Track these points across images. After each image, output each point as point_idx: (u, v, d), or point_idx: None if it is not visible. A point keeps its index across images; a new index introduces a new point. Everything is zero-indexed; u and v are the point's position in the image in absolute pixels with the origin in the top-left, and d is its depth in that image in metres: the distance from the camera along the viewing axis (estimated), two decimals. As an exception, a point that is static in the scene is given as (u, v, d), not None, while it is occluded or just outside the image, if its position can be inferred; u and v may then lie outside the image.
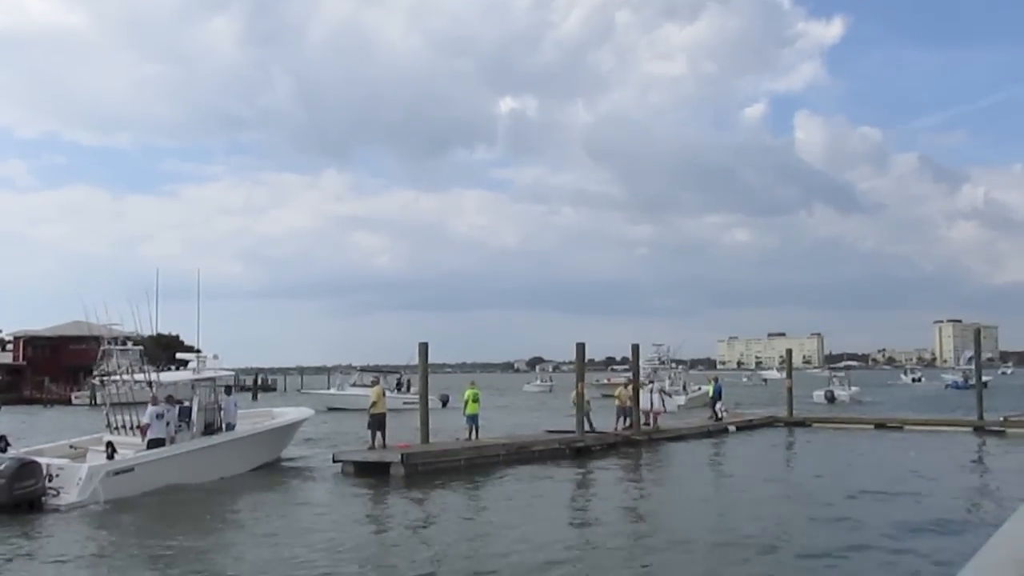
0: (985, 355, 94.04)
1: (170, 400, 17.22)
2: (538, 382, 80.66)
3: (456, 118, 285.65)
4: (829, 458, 21.87)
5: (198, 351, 21.22)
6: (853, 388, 52.56)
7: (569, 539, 11.94)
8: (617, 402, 25.74)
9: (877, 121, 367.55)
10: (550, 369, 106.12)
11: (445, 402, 40.41)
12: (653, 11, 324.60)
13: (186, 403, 17.58)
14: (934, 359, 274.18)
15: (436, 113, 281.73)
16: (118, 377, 18.37)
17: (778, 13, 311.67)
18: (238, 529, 13.15)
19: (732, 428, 28.98)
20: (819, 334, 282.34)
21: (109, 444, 15.71)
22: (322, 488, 16.88)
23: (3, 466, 13.67)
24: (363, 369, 50.54)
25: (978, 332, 37.76)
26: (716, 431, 28.20)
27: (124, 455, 15.65)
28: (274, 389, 77.09)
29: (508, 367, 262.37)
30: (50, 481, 14.20)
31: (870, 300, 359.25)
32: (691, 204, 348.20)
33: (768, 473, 19.36)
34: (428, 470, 17.88)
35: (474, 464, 19.02)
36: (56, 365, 63.50)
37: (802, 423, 31.17)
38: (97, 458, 15.61)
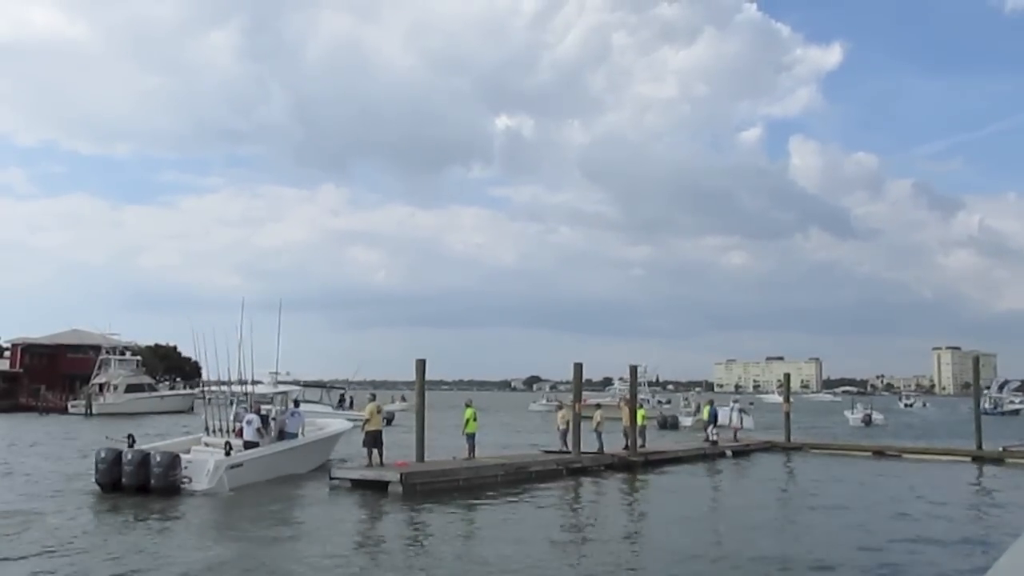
0: (1017, 382, 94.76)
1: (257, 409, 20.14)
2: (544, 401, 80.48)
3: (452, 136, 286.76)
4: (828, 486, 21.79)
5: (276, 372, 23.90)
6: (876, 414, 55.26)
7: (562, 561, 11.91)
8: (561, 425, 25.08)
9: (875, 148, 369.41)
10: (547, 388, 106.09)
11: (390, 420, 39.23)
12: (650, 34, 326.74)
13: (263, 411, 20.46)
14: (933, 386, 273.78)
15: (433, 130, 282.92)
16: (215, 388, 21.33)
17: (776, 39, 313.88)
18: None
19: (728, 452, 28.93)
20: (817, 358, 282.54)
21: (227, 443, 18.40)
22: (322, 506, 16.79)
23: (160, 458, 16.89)
24: (306, 384, 48.85)
25: (976, 360, 37.69)
26: (712, 455, 28.15)
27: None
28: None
29: (505, 385, 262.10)
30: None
31: (868, 325, 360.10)
32: (688, 226, 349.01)
33: (764, 501, 19.30)
34: (426, 489, 17.84)
35: (472, 484, 18.98)
36: (53, 373, 63.30)
37: (799, 448, 31.14)
38: (205, 455, 18.26)
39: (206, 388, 22.46)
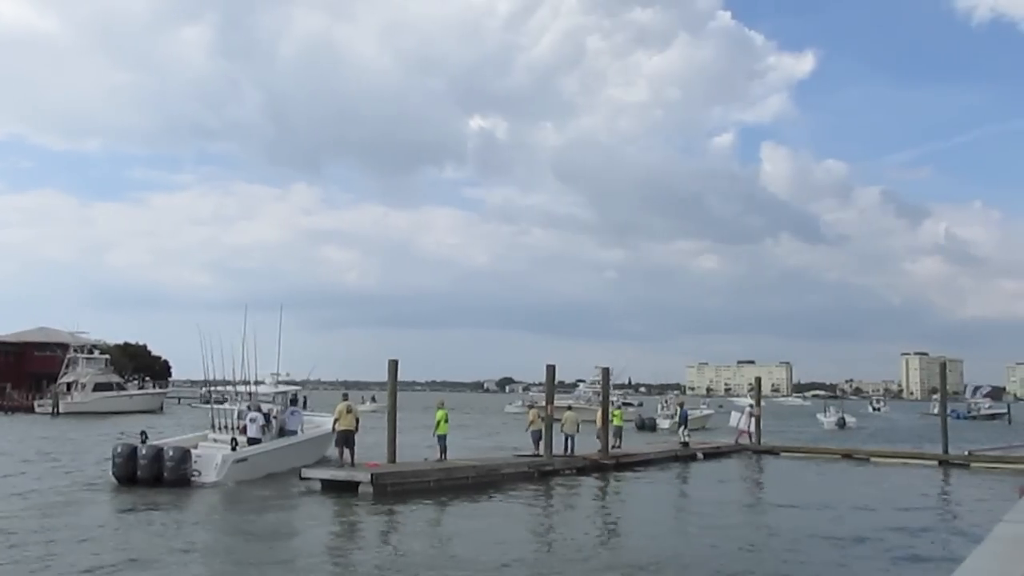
0: (987, 387, 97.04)
1: (257, 408, 21.14)
2: (519, 403, 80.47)
3: (426, 136, 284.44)
4: (797, 488, 22.00)
5: (276, 373, 24.07)
6: (850, 417, 57.36)
7: (531, 563, 11.91)
8: (531, 426, 24.83)
9: (845, 155, 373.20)
10: (520, 389, 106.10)
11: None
12: (624, 38, 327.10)
13: (265, 410, 21.44)
14: (901, 391, 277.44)
15: (406, 130, 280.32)
16: (222, 388, 22.49)
17: (749, 46, 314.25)
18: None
19: (700, 455, 29.10)
20: (788, 363, 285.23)
21: (233, 439, 19.79)
22: (293, 506, 16.71)
23: (172, 452, 18.20)
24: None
25: (943, 365, 38.57)
26: (684, 457, 28.30)
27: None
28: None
29: (478, 386, 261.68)
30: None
31: (837, 330, 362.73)
32: (660, 230, 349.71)
33: (733, 502, 19.45)
34: (397, 490, 17.76)
35: (443, 485, 18.92)
36: (19, 372, 62.33)
37: (770, 451, 31.45)
38: (213, 450, 19.42)
39: (212, 389, 23.65)
